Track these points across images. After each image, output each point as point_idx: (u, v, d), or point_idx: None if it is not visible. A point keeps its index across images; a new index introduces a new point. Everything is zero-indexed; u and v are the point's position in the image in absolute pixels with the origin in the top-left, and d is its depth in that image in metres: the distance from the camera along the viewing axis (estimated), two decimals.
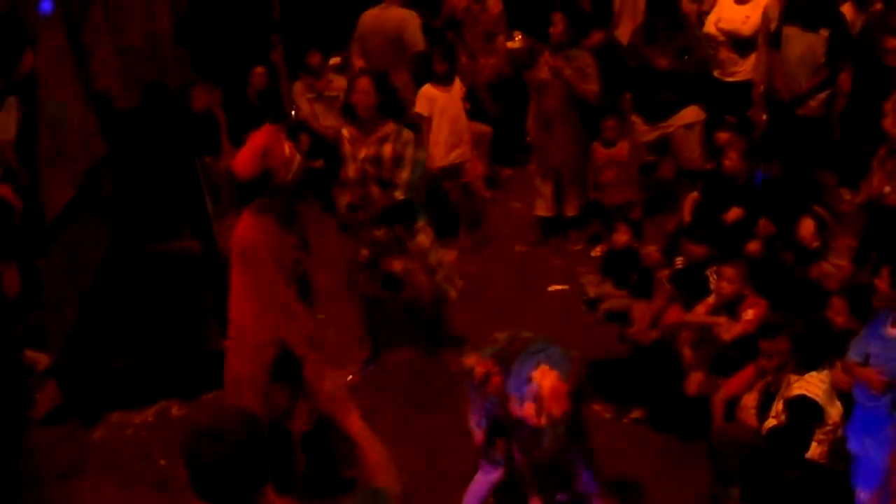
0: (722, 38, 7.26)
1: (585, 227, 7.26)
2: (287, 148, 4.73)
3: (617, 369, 5.37)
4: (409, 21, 7.42)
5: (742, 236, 5.95)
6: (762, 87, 6.97)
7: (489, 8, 8.02)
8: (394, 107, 5.30)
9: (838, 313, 4.81)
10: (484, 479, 4.30)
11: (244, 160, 4.57)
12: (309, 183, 7.32)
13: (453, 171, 7.23)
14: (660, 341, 5.46)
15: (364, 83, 5.22)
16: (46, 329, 5.42)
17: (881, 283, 4.47)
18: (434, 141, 6.95)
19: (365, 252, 5.36)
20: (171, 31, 5.20)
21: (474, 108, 7.80)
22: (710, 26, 7.35)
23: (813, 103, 6.74)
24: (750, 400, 4.73)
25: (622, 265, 6.34)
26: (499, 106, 8.20)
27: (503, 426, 4.09)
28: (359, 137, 5.27)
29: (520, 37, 8.43)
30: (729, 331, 5.12)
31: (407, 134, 5.25)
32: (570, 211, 7.18)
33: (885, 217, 5.51)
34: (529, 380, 3.87)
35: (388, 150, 5.20)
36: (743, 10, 7.19)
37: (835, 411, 4.39)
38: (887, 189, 5.47)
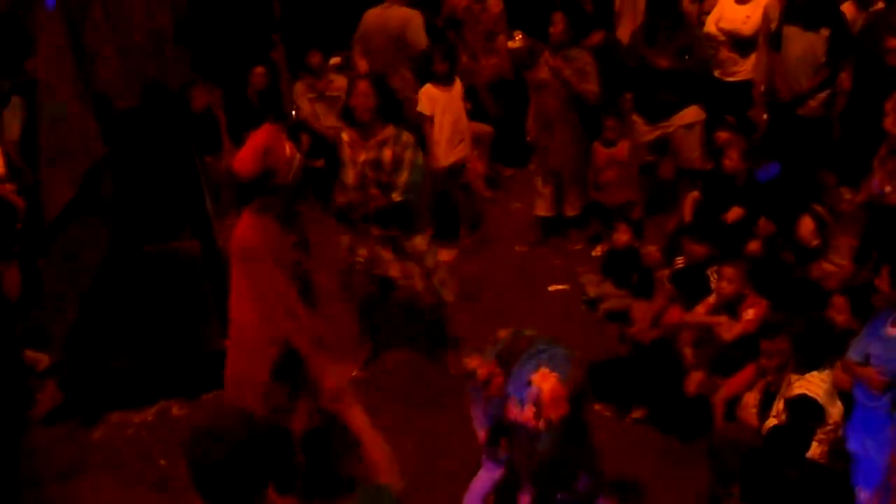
0: (722, 37, 7.27)
1: (586, 227, 7.26)
2: (288, 147, 4.73)
3: (617, 370, 5.36)
4: (413, 20, 7.41)
5: (742, 236, 5.95)
6: (762, 87, 6.97)
7: (490, 7, 8.02)
8: (393, 110, 5.30)
9: (839, 312, 4.81)
10: (486, 477, 4.30)
11: (245, 160, 4.56)
12: (309, 183, 7.33)
13: (455, 170, 7.23)
14: (660, 340, 5.46)
15: (363, 86, 5.22)
16: (46, 329, 5.42)
17: (881, 283, 4.47)
18: (437, 141, 6.95)
19: (363, 252, 5.36)
20: (172, 31, 5.20)
21: (475, 107, 7.81)
22: (710, 26, 7.35)
23: (813, 103, 6.74)
24: (751, 399, 4.73)
25: (622, 265, 6.34)
26: (499, 106, 8.20)
27: (504, 426, 4.09)
28: (358, 141, 5.27)
29: (520, 36, 8.45)
30: (729, 330, 5.12)
31: (406, 137, 5.25)
32: (571, 211, 7.18)
33: (886, 216, 5.50)
34: (529, 382, 3.87)
35: (387, 153, 5.20)
36: (743, 9, 7.19)
37: (835, 411, 4.39)
38: (888, 188, 5.47)
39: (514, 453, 4.17)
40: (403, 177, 5.20)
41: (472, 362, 4.09)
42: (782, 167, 6.33)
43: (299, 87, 8.14)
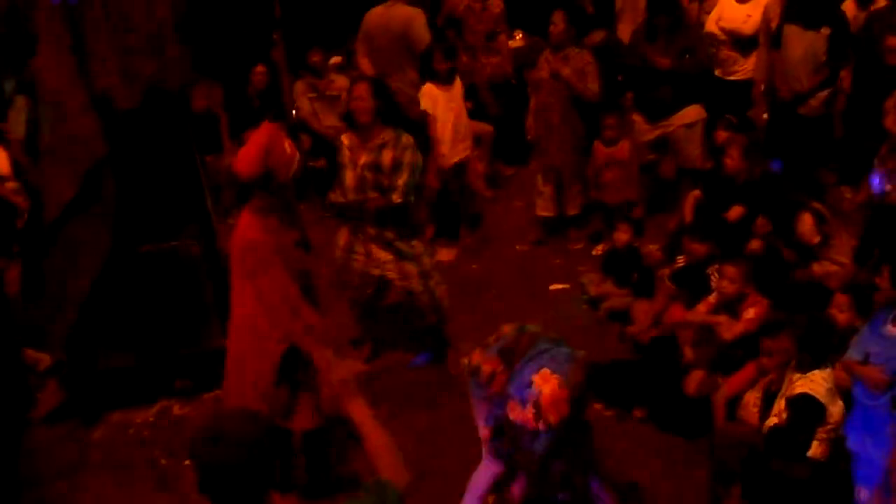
0: (723, 37, 7.27)
1: (586, 226, 7.27)
2: (288, 146, 4.73)
3: (618, 372, 5.36)
4: (416, 19, 7.40)
5: (743, 235, 5.95)
6: (763, 86, 6.98)
7: (490, 7, 8.02)
8: (392, 112, 5.30)
9: (841, 310, 4.81)
10: (487, 471, 4.29)
11: (245, 160, 4.56)
12: (309, 182, 7.34)
13: (456, 170, 7.24)
14: (660, 338, 5.46)
15: (361, 89, 5.22)
16: (46, 329, 5.42)
17: (882, 282, 4.46)
18: (440, 139, 6.96)
19: (360, 251, 5.36)
20: (172, 31, 5.20)
21: (475, 106, 7.81)
22: (711, 25, 7.36)
23: (814, 102, 6.74)
24: (751, 398, 4.73)
25: (623, 264, 6.34)
26: (500, 105, 8.20)
27: (506, 424, 4.08)
28: (358, 144, 5.26)
29: (520, 35, 8.45)
30: (730, 330, 5.12)
31: (406, 139, 5.25)
32: (571, 210, 7.18)
33: (887, 215, 5.50)
34: (531, 383, 3.86)
35: (387, 156, 5.20)
36: (744, 8, 7.19)
37: (836, 410, 4.38)
38: (888, 187, 5.47)
39: (515, 452, 4.17)
40: (403, 179, 5.20)
41: (475, 357, 4.09)
42: (783, 166, 6.33)
43: (300, 86, 8.14)
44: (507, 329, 4.13)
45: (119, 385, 5.38)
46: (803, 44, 6.63)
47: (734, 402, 4.81)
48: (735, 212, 6.06)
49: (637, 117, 7.22)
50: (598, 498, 4.37)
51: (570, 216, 7.22)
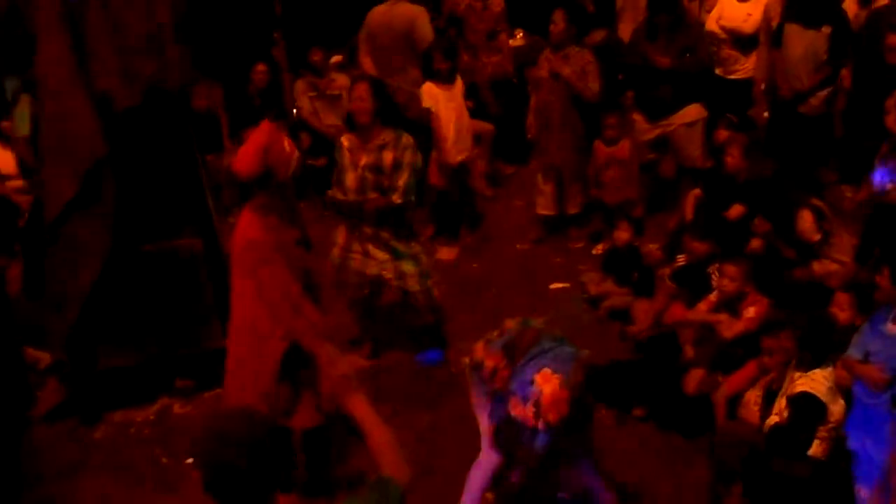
0: (724, 35, 7.27)
1: (587, 225, 7.26)
2: (287, 144, 4.73)
3: (618, 373, 5.35)
4: (419, 17, 7.40)
5: (744, 234, 5.95)
6: (763, 85, 6.97)
7: (491, 6, 8.01)
8: (392, 112, 5.30)
9: (842, 309, 4.81)
10: (486, 463, 4.28)
11: (245, 159, 4.56)
12: (310, 181, 7.34)
13: (459, 169, 7.25)
14: (660, 334, 5.46)
15: (361, 89, 5.22)
16: (47, 328, 5.42)
17: (882, 280, 4.46)
18: (445, 137, 6.96)
19: (358, 251, 5.36)
20: (172, 30, 5.20)
21: (476, 105, 7.81)
22: (711, 24, 7.36)
23: (814, 101, 6.74)
24: (752, 396, 4.73)
25: (623, 263, 6.34)
26: (500, 104, 8.20)
27: (507, 420, 4.08)
28: (358, 145, 5.26)
29: (521, 34, 8.45)
30: (730, 328, 5.12)
31: (406, 139, 5.25)
32: (572, 209, 7.18)
33: (887, 214, 5.50)
34: (532, 381, 3.86)
35: (387, 157, 5.20)
36: (744, 7, 7.20)
37: (837, 409, 4.38)
38: (889, 186, 5.46)
39: (516, 446, 4.17)
40: (403, 179, 5.20)
41: (478, 352, 4.09)
42: (784, 165, 6.33)
43: (300, 85, 8.13)
44: (511, 324, 4.13)
45: (120, 384, 5.38)
46: (804, 42, 6.63)
47: (735, 400, 4.81)
48: (735, 211, 6.06)
49: (637, 116, 7.22)
50: (598, 497, 4.38)
51: (571, 215, 7.22)
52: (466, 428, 4.39)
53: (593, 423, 4.25)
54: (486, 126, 7.90)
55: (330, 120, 8.10)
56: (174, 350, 5.46)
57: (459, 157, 7.12)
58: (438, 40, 7.33)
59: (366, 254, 5.36)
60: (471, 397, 4.20)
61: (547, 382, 3.80)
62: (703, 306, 5.35)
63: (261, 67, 7.92)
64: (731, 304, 5.20)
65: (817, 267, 5.65)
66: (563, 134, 6.97)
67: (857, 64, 6.89)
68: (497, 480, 4.36)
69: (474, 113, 7.59)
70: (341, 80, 8.17)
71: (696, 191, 6.49)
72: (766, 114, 7.18)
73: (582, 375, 3.82)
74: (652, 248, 6.70)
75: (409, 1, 7.47)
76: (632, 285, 6.21)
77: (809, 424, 4.38)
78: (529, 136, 7.34)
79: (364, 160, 5.23)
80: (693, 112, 7.03)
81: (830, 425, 4.37)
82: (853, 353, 4.30)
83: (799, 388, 4.41)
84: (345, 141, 5.34)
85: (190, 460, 5.01)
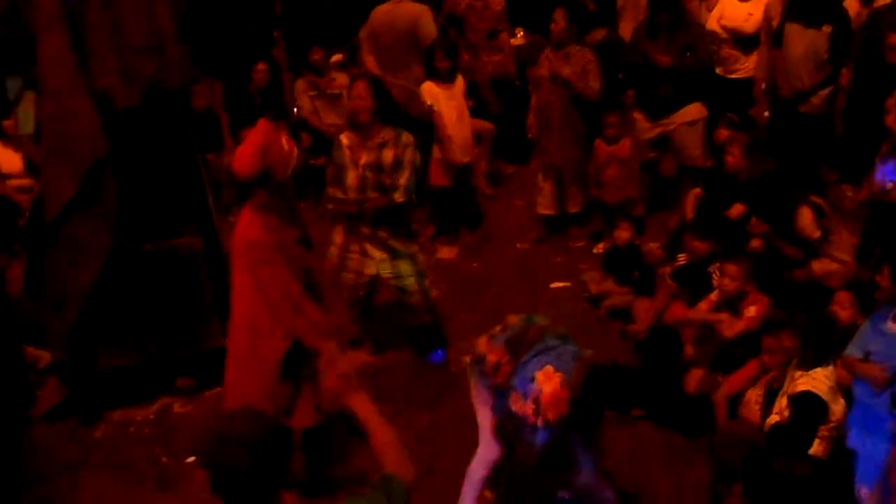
0: (725, 35, 7.27)
1: (587, 225, 7.26)
2: (285, 143, 4.73)
3: (618, 377, 5.34)
4: (423, 16, 7.41)
5: (744, 233, 5.95)
6: (764, 85, 6.97)
7: (492, 5, 8.01)
8: (391, 111, 5.29)
9: (843, 308, 4.80)
10: (484, 458, 4.27)
11: (243, 159, 4.55)
12: (310, 180, 7.35)
13: (463, 168, 7.26)
14: (660, 328, 5.45)
15: (360, 88, 5.21)
16: (47, 327, 5.42)
17: (883, 280, 4.46)
18: (451, 135, 6.97)
19: (355, 250, 5.36)
20: (172, 29, 5.19)
21: (476, 104, 7.81)
22: (712, 23, 7.35)
23: (815, 100, 6.74)
24: (753, 396, 4.73)
25: (624, 262, 6.34)
26: (501, 103, 8.20)
27: (507, 413, 4.07)
28: (358, 143, 5.26)
29: (521, 34, 8.45)
30: (731, 328, 5.12)
31: (406, 137, 5.25)
32: (572, 208, 7.18)
33: (888, 213, 5.50)
34: (533, 378, 3.86)
35: (388, 155, 5.19)
36: (745, 7, 7.19)
37: (838, 408, 4.38)
38: (889, 185, 5.46)
39: (516, 442, 4.17)
40: (405, 177, 5.20)
41: (481, 346, 4.09)
42: (784, 164, 6.33)
43: (300, 84, 8.13)
44: (514, 319, 4.12)
45: (120, 383, 5.38)
46: (804, 42, 6.62)
47: (735, 400, 4.81)
48: (736, 210, 6.05)
49: (638, 115, 7.21)
50: (599, 496, 4.38)
51: (571, 214, 7.22)
52: (467, 428, 4.37)
53: (602, 423, 4.23)
54: (486, 125, 7.90)
55: (330, 119, 8.09)
56: (174, 349, 5.46)
57: (466, 158, 7.14)
58: (439, 39, 7.33)
59: (363, 253, 5.35)
60: (471, 392, 4.20)
61: (548, 381, 3.79)
62: (703, 305, 5.35)
63: (261, 66, 7.92)
64: (731, 304, 5.20)
65: (817, 266, 5.65)
66: (564, 133, 6.97)
67: (857, 63, 6.88)
68: (496, 478, 4.36)
69: (475, 112, 7.59)
70: (342, 79, 8.16)
71: (697, 190, 6.49)
72: (766, 113, 7.17)
73: (584, 375, 3.82)
74: (653, 248, 6.70)
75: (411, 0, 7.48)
76: (632, 284, 6.20)
77: (810, 423, 4.38)
78: (530, 135, 7.34)
79: (364, 158, 5.22)
80: (694, 111, 7.03)
81: (831, 424, 4.37)
82: (853, 351, 4.29)
83: (800, 388, 4.41)
84: (344, 139, 5.33)
85: (190, 459, 5.01)
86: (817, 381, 4.40)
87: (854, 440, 4.22)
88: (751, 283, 5.21)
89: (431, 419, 5.20)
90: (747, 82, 7.21)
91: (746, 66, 7.25)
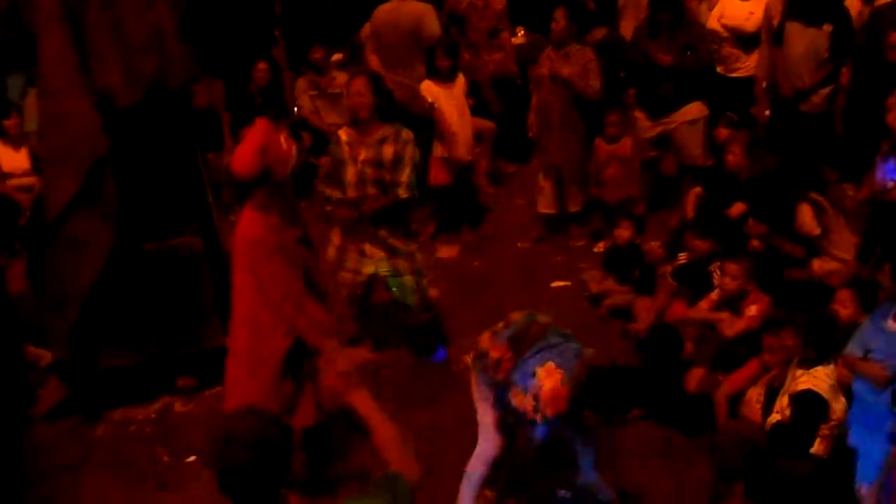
0: (725, 34, 7.27)
1: (588, 224, 7.26)
2: (283, 141, 4.72)
3: (618, 379, 5.32)
4: (427, 15, 7.42)
5: (745, 232, 5.94)
6: (764, 84, 6.97)
7: (492, 4, 8.01)
8: (390, 108, 5.29)
9: (845, 306, 4.80)
10: (484, 454, 4.28)
11: (242, 159, 4.55)
12: (310, 180, 7.34)
13: (466, 166, 7.26)
14: (661, 326, 5.45)
15: (359, 84, 5.21)
16: (48, 326, 5.43)
17: (884, 279, 4.46)
18: (455, 133, 6.98)
19: (353, 249, 5.36)
20: (173, 28, 5.19)
21: (477, 103, 7.81)
22: (713, 22, 7.35)
23: (816, 99, 6.73)
24: (754, 394, 4.73)
25: (625, 261, 6.34)
26: (502, 102, 8.20)
27: (508, 408, 4.08)
28: (357, 139, 5.25)
29: (522, 32, 8.45)
30: (732, 327, 5.12)
31: (406, 133, 5.24)
32: (573, 207, 7.18)
33: (888, 212, 5.50)
34: (534, 374, 3.87)
35: (388, 151, 5.19)
36: (746, 6, 7.19)
37: (839, 406, 4.38)
38: (890, 184, 5.46)
39: (517, 435, 4.19)
40: (406, 174, 5.19)
41: (484, 342, 4.10)
42: (785, 163, 6.32)
43: (301, 83, 8.14)
44: (517, 316, 4.13)
45: (121, 382, 5.38)
46: (805, 40, 6.62)
47: (736, 399, 4.81)
48: (737, 209, 6.04)
49: (639, 114, 7.21)
50: (599, 495, 4.38)
51: (572, 213, 7.22)
52: (467, 426, 4.39)
53: (599, 422, 4.24)
54: (487, 124, 7.90)
55: (331, 118, 8.09)
56: (175, 348, 5.46)
57: (468, 157, 7.14)
58: (440, 38, 7.33)
59: (362, 253, 5.35)
60: (472, 389, 4.20)
61: (549, 377, 3.81)
62: (704, 304, 5.35)
63: (262, 66, 7.92)
64: (732, 303, 5.20)
65: (818, 265, 5.65)
66: (564, 132, 6.97)
67: (857, 62, 6.88)
68: (496, 477, 4.37)
69: (475, 111, 7.60)
70: (342, 78, 8.16)
71: (698, 189, 6.48)
72: (767, 112, 7.17)
73: (584, 373, 3.82)
74: (653, 246, 6.70)
75: None
76: (633, 283, 6.20)
77: (812, 422, 4.37)
78: (531, 134, 7.34)
79: (363, 155, 5.21)
80: (694, 110, 7.03)
81: (832, 423, 4.37)
82: (853, 350, 4.29)
83: (801, 386, 4.41)
84: (343, 135, 5.32)
85: (191, 458, 5.02)
86: (818, 379, 4.40)
87: (854, 438, 4.22)
88: (751, 282, 5.21)
89: (431, 418, 5.20)
90: (748, 81, 7.20)
91: (747, 64, 7.25)
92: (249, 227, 4.68)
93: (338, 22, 8.46)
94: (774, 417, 4.50)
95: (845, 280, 5.32)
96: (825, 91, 6.74)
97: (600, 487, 4.38)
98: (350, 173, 5.24)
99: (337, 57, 8.58)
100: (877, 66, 6.52)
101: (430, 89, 6.97)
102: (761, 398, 4.68)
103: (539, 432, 3.91)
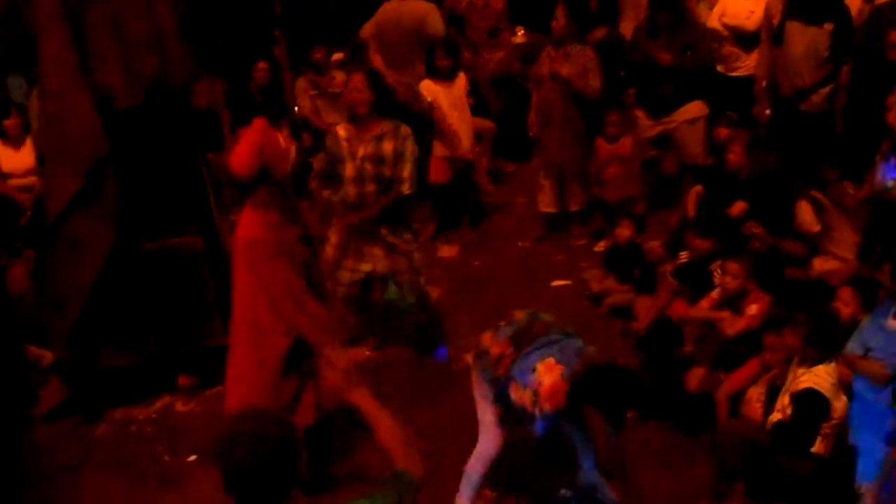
0: (726, 33, 7.26)
1: (588, 223, 7.26)
2: (282, 140, 4.72)
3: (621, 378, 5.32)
4: (431, 13, 7.44)
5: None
6: (764, 83, 6.97)
7: (492, 3, 8.01)
8: (388, 104, 5.29)
9: (846, 304, 4.80)
10: (484, 454, 4.28)
11: (241, 159, 4.55)
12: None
13: (467, 165, 7.26)
14: (662, 322, 5.45)
15: (357, 80, 5.21)
16: (48, 326, 5.43)
17: (884, 278, 4.46)
18: (454, 132, 6.98)
19: (352, 246, 5.36)
20: (173, 28, 5.19)
21: (477, 102, 7.80)
22: (714, 21, 7.34)
23: (816, 98, 6.73)
24: (755, 393, 4.73)
25: (625, 260, 6.34)
26: (502, 101, 8.20)
27: (507, 403, 4.09)
28: (356, 135, 5.25)
29: (522, 32, 8.44)
30: (733, 326, 5.12)
31: (405, 129, 5.25)
32: (573, 206, 7.18)
33: (888, 211, 5.49)
34: (534, 369, 3.88)
35: (388, 146, 5.19)
36: (747, 4, 7.18)
37: (840, 405, 4.38)
38: (890, 183, 5.46)
39: (517, 429, 4.19)
40: (408, 169, 5.20)
41: (485, 340, 4.11)
42: (785, 162, 6.32)
43: (301, 83, 8.13)
44: (519, 315, 4.14)
45: (121, 382, 5.38)
46: (805, 40, 6.62)
47: (737, 398, 4.80)
48: (737, 207, 6.03)
49: (639, 113, 7.21)
50: (600, 494, 4.38)
51: (572, 212, 7.22)
52: (467, 426, 4.40)
53: (600, 420, 4.24)
54: (487, 123, 7.90)
55: (331, 118, 8.07)
56: (176, 348, 5.46)
57: (471, 155, 7.14)
58: (441, 37, 7.34)
59: (360, 251, 5.35)
60: (473, 387, 4.21)
61: (549, 372, 3.81)
62: (705, 303, 5.35)
63: (262, 65, 7.91)
64: (733, 302, 5.20)
65: (819, 265, 5.64)
66: (565, 131, 6.97)
67: (857, 60, 6.87)
68: (497, 476, 4.37)
69: (475, 110, 7.59)
70: (342, 77, 8.15)
71: (698, 188, 6.47)
72: (767, 111, 7.16)
73: (585, 370, 3.82)
74: (654, 246, 6.69)
75: None
76: (634, 282, 6.20)
77: (814, 421, 4.37)
78: (531, 133, 7.34)
79: (362, 151, 5.21)
80: (695, 109, 7.02)
81: (833, 422, 4.37)
82: (853, 348, 4.29)
83: (803, 385, 4.41)
84: (341, 131, 5.31)
85: (192, 458, 5.02)
86: (820, 378, 4.40)
87: (855, 437, 4.22)
88: (752, 281, 5.20)
89: (431, 417, 5.20)
90: (748, 80, 7.20)
91: (748, 63, 7.24)
92: (250, 226, 4.69)
93: (338, 21, 8.45)
94: (776, 416, 4.50)
95: (846, 279, 5.32)
96: (825, 90, 6.73)
97: (601, 487, 4.38)
98: (349, 170, 5.23)
99: (337, 56, 8.57)
100: (877, 64, 6.52)
101: (429, 88, 6.98)
102: (762, 397, 4.68)
103: (538, 427, 3.92)
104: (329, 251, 5.42)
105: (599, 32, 7.75)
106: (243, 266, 4.68)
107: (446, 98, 7.01)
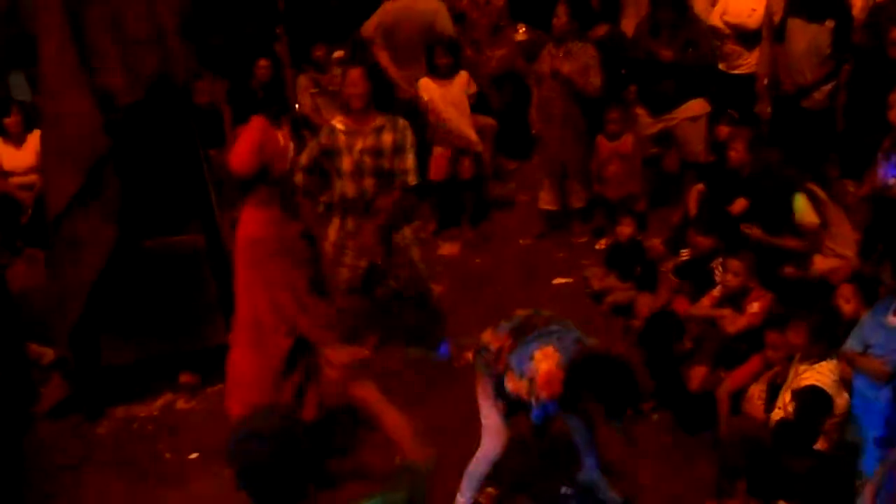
0: (727, 30, 7.24)
1: (590, 220, 7.26)
2: (280, 137, 4.72)
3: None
4: (440, 11, 7.45)
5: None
6: (766, 80, 6.96)
7: (494, 0, 8.01)
8: (385, 98, 5.30)
9: (847, 301, 4.80)
10: (487, 453, 4.28)
11: (240, 157, 4.55)
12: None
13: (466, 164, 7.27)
14: (660, 313, 5.44)
15: (355, 74, 5.22)
16: (50, 324, 5.43)
17: (885, 275, 4.46)
18: (455, 130, 6.98)
19: (351, 243, 5.35)
20: (174, 25, 5.19)
21: (478, 100, 7.80)
22: (715, 19, 7.33)
23: (818, 95, 6.73)
24: (756, 391, 4.73)
25: (626, 258, 6.33)
26: (503, 98, 8.19)
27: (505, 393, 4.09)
28: (353, 129, 5.25)
29: (523, 29, 8.43)
30: (734, 323, 5.12)
31: (402, 122, 5.26)
32: (575, 204, 7.18)
33: (889, 209, 5.49)
34: (531, 358, 3.88)
35: (387, 139, 5.19)
36: (749, 2, 7.16)
37: (842, 402, 4.38)
38: (891, 181, 5.45)
39: (516, 420, 4.20)
40: (410, 160, 5.20)
41: (486, 337, 4.12)
42: (786, 159, 6.31)
43: (302, 80, 8.12)
44: (521, 312, 4.15)
45: (123, 380, 5.38)
46: (807, 37, 6.61)
47: (738, 396, 4.80)
48: (739, 205, 6.03)
49: (640, 111, 7.20)
50: (602, 492, 4.39)
51: (574, 210, 7.22)
52: (467, 424, 4.40)
53: (598, 416, 4.24)
54: (488, 121, 7.89)
55: (332, 116, 8.07)
56: (177, 346, 5.46)
57: (479, 147, 7.14)
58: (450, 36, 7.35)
59: (359, 247, 5.34)
60: (477, 386, 4.21)
61: (546, 359, 3.82)
62: (706, 301, 5.35)
63: (263, 62, 7.90)
64: (734, 299, 5.19)
65: (820, 262, 5.64)
66: (566, 129, 6.97)
67: (858, 58, 6.87)
68: (499, 474, 4.37)
69: (476, 108, 7.58)
70: None
71: (700, 185, 6.48)
72: (769, 109, 7.16)
73: (582, 358, 3.82)
74: (655, 243, 6.69)
75: None
76: (635, 280, 6.20)
77: (816, 418, 4.37)
78: (532, 131, 7.34)
79: (361, 144, 5.21)
80: (696, 107, 7.02)
81: (835, 418, 4.37)
82: (853, 345, 4.29)
83: (805, 382, 4.40)
84: (339, 124, 5.31)
85: (194, 455, 5.02)
86: (822, 374, 4.39)
87: (855, 434, 4.22)
88: (753, 278, 5.20)
89: (432, 414, 5.19)
90: (750, 78, 7.19)
91: (749, 61, 7.23)
92: (251, 224, 4.68)
93: (340, 19, 8.44)
94: (777, 414, 4.50)
95: (846, 277, 5.32)
96: (826, 87, 6.73)
97: (602, 485, 4.39)
98: (346, 163, 5.23)
99: (338, 54, 8.56)
100: (878, 62, 6.51)
101: (426, 87, 6.98)
102: (763, 395, 4.68)
103: (534, 416, 3.92)
104: (327, 247, 5.42)
105: (601, 30, 7.74)
106: (244, 264, 4.68)
107: (443, 96, 7.01)
